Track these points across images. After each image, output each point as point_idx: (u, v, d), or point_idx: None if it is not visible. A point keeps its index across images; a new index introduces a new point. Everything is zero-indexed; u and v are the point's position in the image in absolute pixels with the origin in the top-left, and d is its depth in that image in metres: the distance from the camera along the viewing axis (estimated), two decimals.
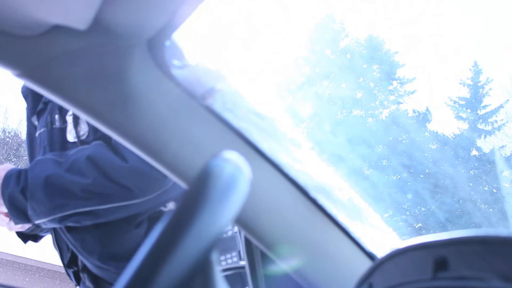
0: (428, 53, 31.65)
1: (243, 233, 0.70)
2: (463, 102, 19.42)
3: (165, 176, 1.08)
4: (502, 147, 18.38)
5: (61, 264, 1.30)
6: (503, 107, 18.97)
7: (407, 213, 16.41)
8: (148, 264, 0.29)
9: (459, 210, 15.73)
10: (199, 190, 0.32)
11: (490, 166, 17.13)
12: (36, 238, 1.37)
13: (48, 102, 1.26)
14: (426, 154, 17.60)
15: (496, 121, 18.92)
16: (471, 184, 16.68)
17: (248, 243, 0.76)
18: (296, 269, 0.68)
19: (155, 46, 0.58)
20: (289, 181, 0.67)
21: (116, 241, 1.17)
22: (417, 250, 0.43)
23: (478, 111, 19.13)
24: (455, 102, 19.53)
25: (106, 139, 1.13)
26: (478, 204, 16.03)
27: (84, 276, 1.24)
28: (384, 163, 17.17)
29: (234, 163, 0.36)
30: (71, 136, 1.18)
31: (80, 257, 1.22)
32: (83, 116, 0.61)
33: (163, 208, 1.21)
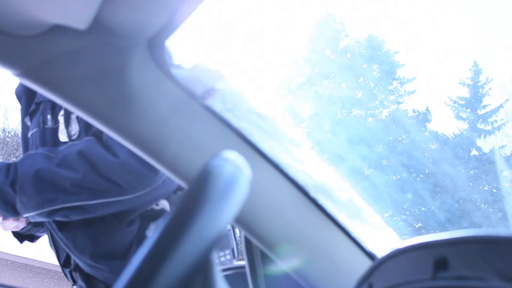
0: (428, 53, 31.70)
1: (242, 233, 0.70)
2: (463, 102, 19.40)
3: (155, 173, 1.08)
4: (502, 147, 18.36)
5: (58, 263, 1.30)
6: (503, 107, 18.95)
7: (407, 213, 16.40)
8: (148, 264, 0.29)
9: (459, 210, 15.72)
10: (199, 190, 0.32)
11: (490, 166, 17.12)
12: (32, 238, 1.36)
13: (40, 102, 1.25)
14: (426, 154, 17.59)
15: (496, 121, 18.90)
16: (471, 184, 16.67)
17: (248, 243, 0.76)
18: (296, 269, 0.68)
19: (155, 46, 0.58)
20: (289, 181, 0.67)
21: (108, 240, 1.17)
22: (417, 250, 0.43)
23: (478, 111, 19.12)
24: (455, 102, 19.51)
25: (97, 136, 1.13)
26: (478, 204, 16.02)
27: (76, 275, 1.24)
28: (384, 163, 17.16)
29: (234, 163, 0.36)
30: (63, 136, 1.18)
31: (72, 256, 1.22)
32: (83, 116, 0.61)
33: (155, 207, 1.21)
